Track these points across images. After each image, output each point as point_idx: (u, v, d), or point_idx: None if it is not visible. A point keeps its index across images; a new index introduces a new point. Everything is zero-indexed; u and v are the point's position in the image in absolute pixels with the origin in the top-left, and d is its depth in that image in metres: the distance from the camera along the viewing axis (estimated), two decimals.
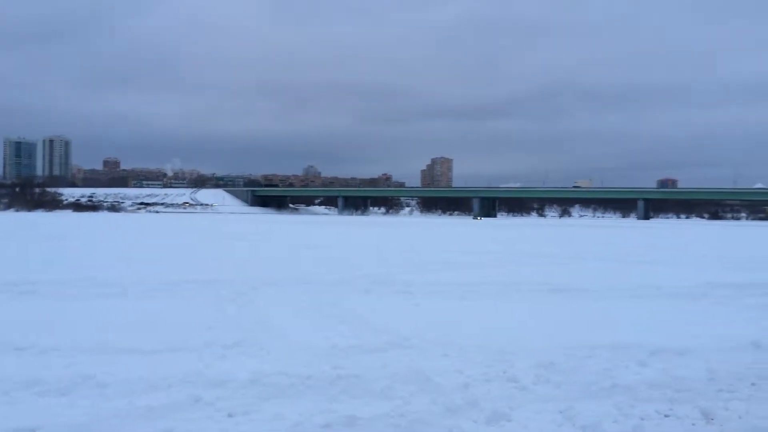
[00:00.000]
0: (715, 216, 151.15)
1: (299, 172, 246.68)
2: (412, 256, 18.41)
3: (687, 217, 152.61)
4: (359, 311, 8.27)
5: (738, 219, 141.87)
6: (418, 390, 4.81)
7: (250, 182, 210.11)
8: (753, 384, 5.17)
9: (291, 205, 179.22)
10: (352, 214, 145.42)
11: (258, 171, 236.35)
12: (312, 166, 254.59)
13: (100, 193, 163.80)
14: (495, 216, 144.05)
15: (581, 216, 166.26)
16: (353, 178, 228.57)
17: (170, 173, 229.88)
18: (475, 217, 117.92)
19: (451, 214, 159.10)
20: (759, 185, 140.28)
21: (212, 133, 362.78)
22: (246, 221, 63.81)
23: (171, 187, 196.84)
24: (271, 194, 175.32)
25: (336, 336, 6.63)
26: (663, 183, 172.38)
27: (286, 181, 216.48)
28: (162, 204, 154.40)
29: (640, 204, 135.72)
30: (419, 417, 4.24)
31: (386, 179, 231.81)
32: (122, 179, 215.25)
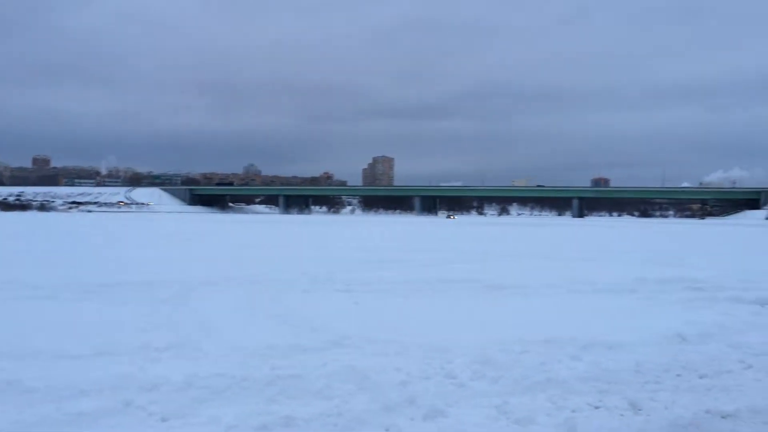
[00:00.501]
0: (644, 214, 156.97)
1: (239, 171, 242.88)
2: (354, 254, 18.40)
3: (618, 215, 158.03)
4: (299, 310, 8.22)
5: (666, 217, 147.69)
6: (357, 389, 4.81)
7: (189, 181, 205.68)
8: (678, 375, 5.39)
9: (231, 205, 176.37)
10: (293, 213, 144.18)
11: (197, 169, 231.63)
12: (252, 165, 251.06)
13: (29, 191, 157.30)
14: (436, 214, 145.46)
15: (519, 214, 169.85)
16: (294, 177, 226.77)
17: (104, 171, 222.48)
18: (448, 216, 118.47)
19: (393, 213, 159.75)
20: (685, 184, 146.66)
21: (149, 130, 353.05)
22: (183, 220, 62.46)
23: (105, 185, 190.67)
24: (210, 193, 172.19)
25: (274, 336, 6.56)
26: (596, 182, 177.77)
27: (226, 180, 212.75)
28: (95, 203, 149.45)
29: (575, 202, 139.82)
30: (357, 416, 4.25)
31: (328, 178, 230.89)
32: (53, 177, 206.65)
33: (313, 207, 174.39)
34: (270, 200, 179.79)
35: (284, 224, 54.33)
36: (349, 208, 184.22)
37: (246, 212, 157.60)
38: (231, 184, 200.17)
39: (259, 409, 4.37)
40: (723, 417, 4.30)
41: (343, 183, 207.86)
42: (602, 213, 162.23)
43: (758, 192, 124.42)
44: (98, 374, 5.02)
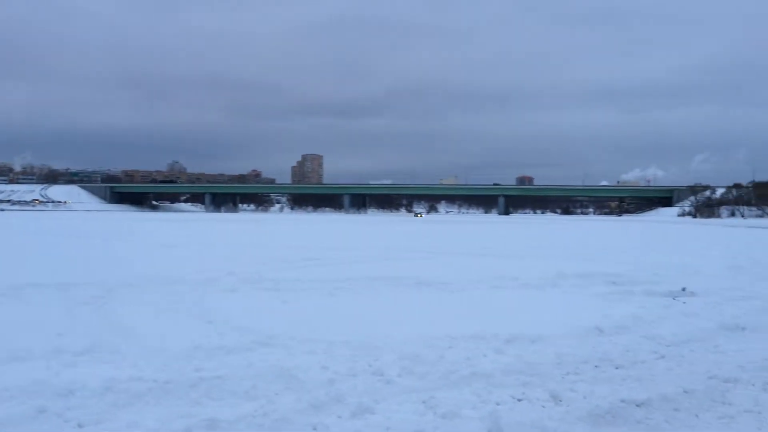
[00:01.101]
0: (566, 211, 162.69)
1: (163, 168, 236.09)
2: (283, 252, 18.20)
3: (542, 212, 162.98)
4: (224, 311, 8.05)
5: (586, 214, 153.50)
6: (283, 388, 4.76)
7: (109, 178, 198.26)
8: (596, 366, 5.60)
9: (154, 203, 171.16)
10: (220, 212, 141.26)
11: (118, 166, 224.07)
12: (177, 162, 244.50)
13: None
14: (365, 212, 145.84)
15: (447, 212, 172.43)
16: (221, 175, 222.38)
17: (18, 168, 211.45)
18: (416, 215, 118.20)
19: (322, 211, 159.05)
20: (604, 183, 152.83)
21: (66, 125, 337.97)
22: (103, 219, 60.14)
23: (19, 182, 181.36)
24: (132, 191, 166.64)
25: (199, 337, 6.41)
26: (521, 180, 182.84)
27: (149, 177, 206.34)
28: (8, 201, 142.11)
29: (501, 200, 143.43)
30: (283, 416, 4.20)
31: (256, 176, 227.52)
32: None
33: (240, 205, 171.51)
34: (196, 198, 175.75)
35: (210, 223, 53.17)
36: (277, 206, 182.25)
37: (171, 211, 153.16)
38: (154, 181, 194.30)
39: (182, 412, 4.26)
40: (637, 405, 4.50)
41: (272, 181, 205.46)
42: (527, 210, 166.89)
43: (671, 190, 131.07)
44: (11, 380, 4.76)
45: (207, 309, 8.19)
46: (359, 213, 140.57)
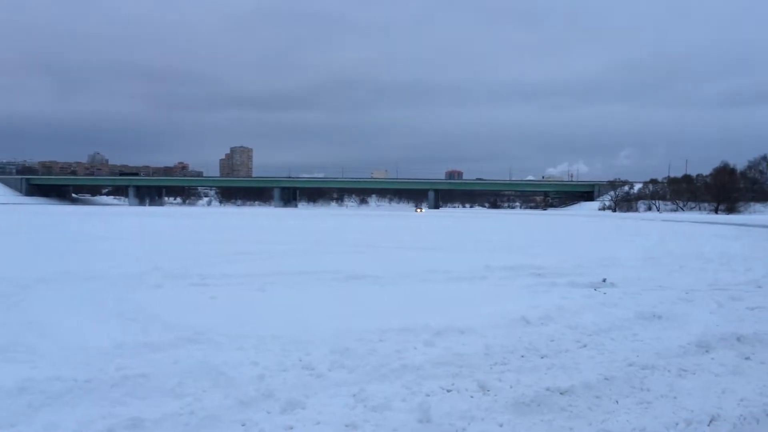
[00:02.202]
0: (494, 205, 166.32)
1: (84, 159, 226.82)
2: (211, 247, 17.80)
3: (471, 206, 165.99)
4: (149, 307, 7.80)
5: (513, 208, 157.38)
6: (211, 385, 4.66)
7: (25, 170, 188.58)
8: (522, 356, 5.75)
9: (75, 196, 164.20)
10: (145, 205, 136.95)
11: (35, 157, 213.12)
12: (98, 153, 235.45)
13: None
14: (296, 206, 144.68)
15: (378, 205, 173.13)
16: (146, 167, 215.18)
17: None
18: (417, 209, 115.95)
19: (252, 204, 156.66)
20: (530, 177, 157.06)
21: None
22: (17, 212, 57.19)
23: None
24: (50, 183, 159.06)
25: (122, 334, 6.18)
26: (450, 174, 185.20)
27: (69, 169, 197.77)
28: None
29: (431, 194, 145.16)
30: (211, 413, 4.11)
31: (182, 168, 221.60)
32: None
33: (166, 198, 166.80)
34: (119, 191, 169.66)
35: (134, 216, 51.44)
36: (205, 199, 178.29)
37: (92, 204, 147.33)
38: (75, 173, 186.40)
39: (104, 412, 4.10)
40: (561, 393, 4.64)
41: (199, 174, 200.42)
42: (456, 204, 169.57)
43: (592, 185, 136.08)
44: None
45: (130, 305, 7.91)
46: (289, 206, 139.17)
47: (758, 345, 6.33)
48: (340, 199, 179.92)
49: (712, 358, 5.80)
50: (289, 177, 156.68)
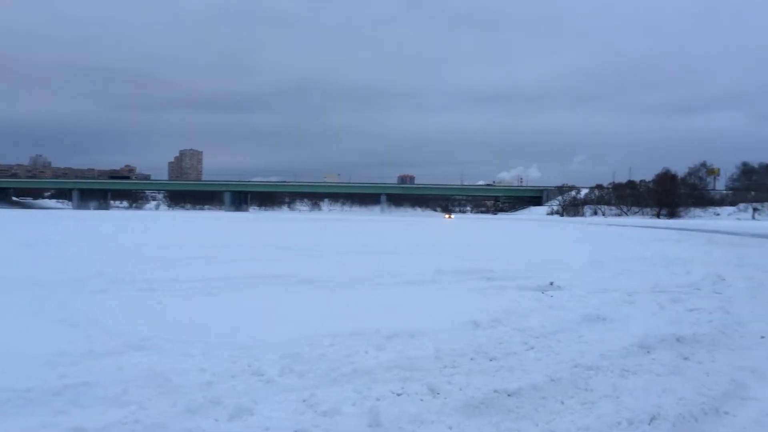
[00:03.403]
0: (445, 209, 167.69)
1: (25, 161, 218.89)
2: (159, 251, 17.43)
3: (423, 211, 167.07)
4: (92, 313, 7.58)
5: (464, 212, 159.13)
6: (157, 393, 4.55)
7: None
8: (471, 359, 5.82)
9: (15, 199, 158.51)
10: (90, 209, 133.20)
11: None
12: (41, 156, 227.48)
13: None
14: (247, 210, 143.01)
15: (330, 210, 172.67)
16: (91, 170, 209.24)
17: None
18: (448, 216, 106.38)
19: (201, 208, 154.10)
20: (481, 182, 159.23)
21: None
22: None
23: None
24: None
25: (63, 342, 5.99)
26: (402, 179, 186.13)
27: (9, 171, 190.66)
28: None
29: (383, 198, 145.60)
30: (156, 421, 4.02)
31: (129, 171, 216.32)
32: None
33: (113, 202, 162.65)
34: (63, 194, 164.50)
35: (78, 220, 49.97)
36: (153, 203, 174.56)
37: (34, 207, 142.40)
38: (15, 176, 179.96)
39: (45, 421, 3.97)
40: (509, 395, 4.72)
41: (147, 177, 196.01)
42: (408, 209, 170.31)
43: (541, 190, 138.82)
44: None
45: (73, 312, 7.68)
46: (240, 211, 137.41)
47: (696, 345, 6.56)
48: (291, 204, 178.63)
49: (653, 359, 5.98)
50: (240, 181, 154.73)
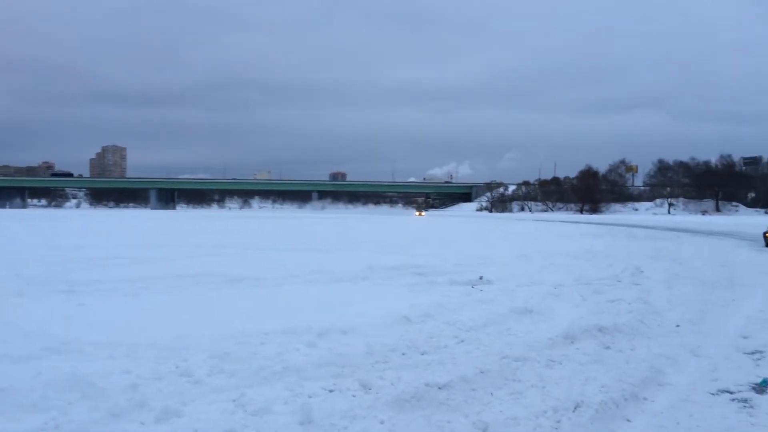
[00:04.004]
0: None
1: None
2: (81, 252, 16.74)
3: (354, 208, 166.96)
4: (8, 316, 7.21)
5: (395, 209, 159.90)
6: (79, 397, 4.37)
7: None
8: (403, 353, 5.87)
9: None
10: (5, 207, 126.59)
11: None
12: None
13: None
14: (174, 208, 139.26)
15: (261, 207, 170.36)
16: (5, 167, 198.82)
17: None
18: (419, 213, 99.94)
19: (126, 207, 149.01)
20: (412, 179, 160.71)
21: None
22: None
23: None
24: None
25: None
26: (334, 176, 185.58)
27: None
28: None
29: (315, 195, 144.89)
30: (78, 426, 3.86)
31: (48, 168, 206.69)
32: None
33: (30, 201, 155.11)
34: None
35: None
36: (74, 201, 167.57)
37: None
38: None
39: None
40: (440, 388, 4.78)
41: (68, 174, 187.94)
42: (340, 206, 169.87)
43: (470, 187, 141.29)
44: None
45: None
46: (168, 209, 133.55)
47: (617, 335, 6.84)
48: (221, 202, 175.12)
49: (577, 349, 6.20)
50: (167, 178, 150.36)
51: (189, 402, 4.38)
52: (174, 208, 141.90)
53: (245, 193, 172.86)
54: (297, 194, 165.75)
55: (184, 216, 72.11)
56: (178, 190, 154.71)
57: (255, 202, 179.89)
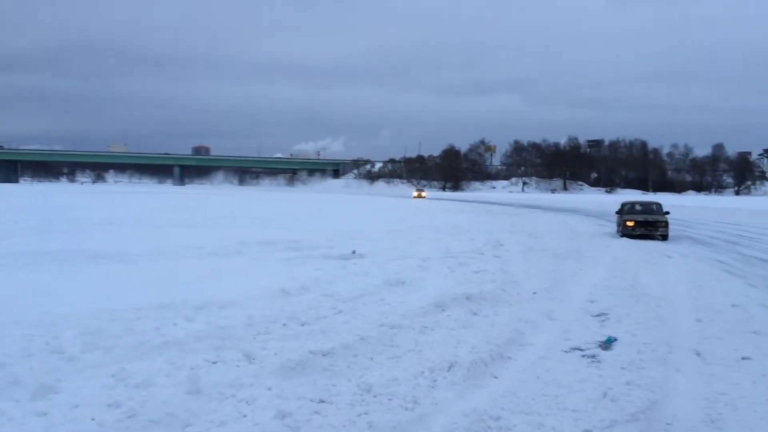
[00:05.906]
0: (242, 182, 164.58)
1: None
2: None
3: (219, 183, 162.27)
4: None
5: (260, 184, 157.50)
6: None
7: None
8: (284, 324, 5.98)
9: None
10: None
11: None
12: None
13: None
14: (17, 182, 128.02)
15: (117, 182, 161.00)
16: None
17: None
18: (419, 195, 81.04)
19: None
20: (279, 155, 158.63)
21: None
22: None
23: None
24: None
25: None
26: (197, 150, 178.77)
27: None
28: None
29: (176, 170, 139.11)
30: None
31: None
32: None
33: None
34: None
35: None
36: None
37: None
38: None
39: None
40: (323, 355, 4.95)
41: None
42: (203, 181, 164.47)
43: (338, 163, 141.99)
44: None
45: None
46: (10, 182, 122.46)
47: (483, 302, 7.37)
48: (71, 175, 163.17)
49: (448, 315, 6.62)
50: (9, 149, 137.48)
51: (65, 378, 4.24)
52: (17, 181, 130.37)
53: (99, 166, 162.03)
54: (157, 168, 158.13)
55: (28, 190, 66.66)
56: (22, 162, 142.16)
57: (110, 177, 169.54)
